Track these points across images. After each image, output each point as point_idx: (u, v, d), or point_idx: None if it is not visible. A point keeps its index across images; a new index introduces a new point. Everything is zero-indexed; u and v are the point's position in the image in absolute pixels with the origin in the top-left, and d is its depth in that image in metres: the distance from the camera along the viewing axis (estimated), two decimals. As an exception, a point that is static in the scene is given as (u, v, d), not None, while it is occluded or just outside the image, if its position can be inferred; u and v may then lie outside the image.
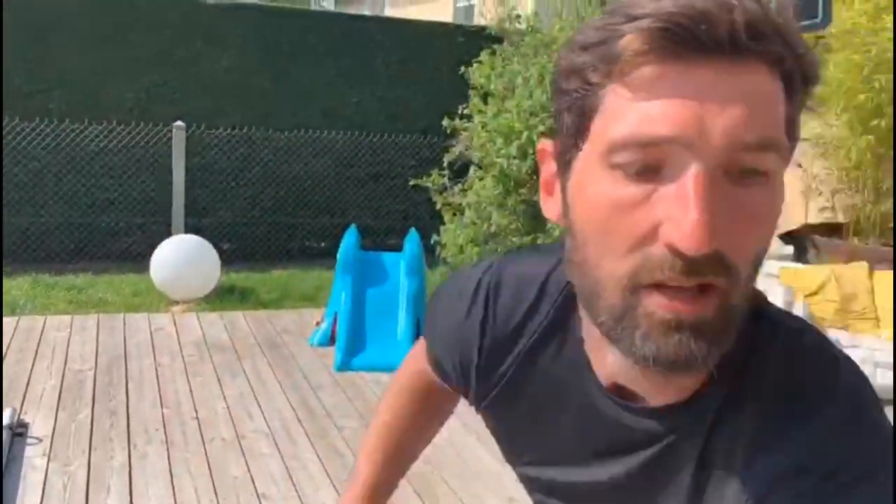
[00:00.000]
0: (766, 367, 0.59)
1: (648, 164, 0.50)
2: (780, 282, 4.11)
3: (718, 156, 0.49)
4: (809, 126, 5.55)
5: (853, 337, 3.81)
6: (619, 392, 0.64)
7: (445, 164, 6.29)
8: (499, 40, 6.21)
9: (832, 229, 5.36)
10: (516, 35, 6.05)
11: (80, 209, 6.29)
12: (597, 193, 0.53)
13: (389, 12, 20.86)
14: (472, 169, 6.20)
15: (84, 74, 6.15)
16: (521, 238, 5.63)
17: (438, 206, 6.38)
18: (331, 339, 4.43)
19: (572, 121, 0.54)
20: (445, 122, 6.24)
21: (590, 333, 0.64)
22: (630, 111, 0.50)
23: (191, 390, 3.71)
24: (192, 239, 5.37)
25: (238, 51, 6.50)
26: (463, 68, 6.34)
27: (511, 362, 0.73)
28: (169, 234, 5.93)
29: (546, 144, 0.61)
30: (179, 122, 6.18)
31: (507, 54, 6.12)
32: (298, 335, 4.61)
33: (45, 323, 4.53)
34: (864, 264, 4.17)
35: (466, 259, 6.04)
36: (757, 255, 0.54)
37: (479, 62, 6.24)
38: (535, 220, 5.69)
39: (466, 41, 7.01)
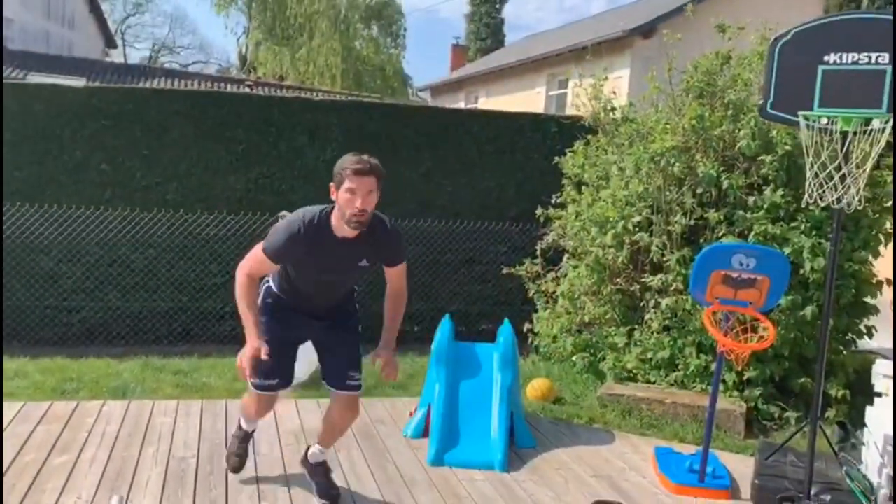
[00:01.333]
0: (375, 223, 3.12)
1: (352, 191, 2.96)
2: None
3: (365, 191, 2.97)
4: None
5: None
6: (340, 238, 3.09)
7: (538, 252, 6.30)
8: (591, 130, 6.27)
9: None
10: (611, 125, 6.09)
11: (189, 294, 6.61)
12: (343, 196, 2.98)
13: (482, 104, 21.43)
14: (565, 257, 6.18)
15: (196, 168, 6.57)
16: (617, 328, 5.52)
17: (531, 294, 6.36)
18: (425, 431, 4.41)
19: (338, 181, 3.00)
20: (539, 210, 6.29)
21: (337, 224, 3.05)
22: (347, 182, 2.97)
23: (288, 483, 3.75)
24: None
25: (339, 143, 6.79)
26: (557, 158, 6.41)
27: (308, 232, 3.05)
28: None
29: (332, 185, 3.04)
30: (284, 212, 6.45)
31: (602, 144, 6.15)
32: (393, 426, 4.62)
33: (153, 407, 4.71)
34: None
35: (559, 348, 5.96)
36: (372, 206, 3.02)
37: (573, 151, 6.31)
38: (631, 310, 5.59)
39: (560, 131, 7.11)
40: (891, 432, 3.59)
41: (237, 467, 3.70)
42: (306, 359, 5.33)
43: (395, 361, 3.31)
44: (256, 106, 6.80)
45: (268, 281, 3.38)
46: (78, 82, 7.52)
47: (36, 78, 14.35)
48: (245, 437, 3.74)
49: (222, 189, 6.62)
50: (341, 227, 3.03)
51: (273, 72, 26.83)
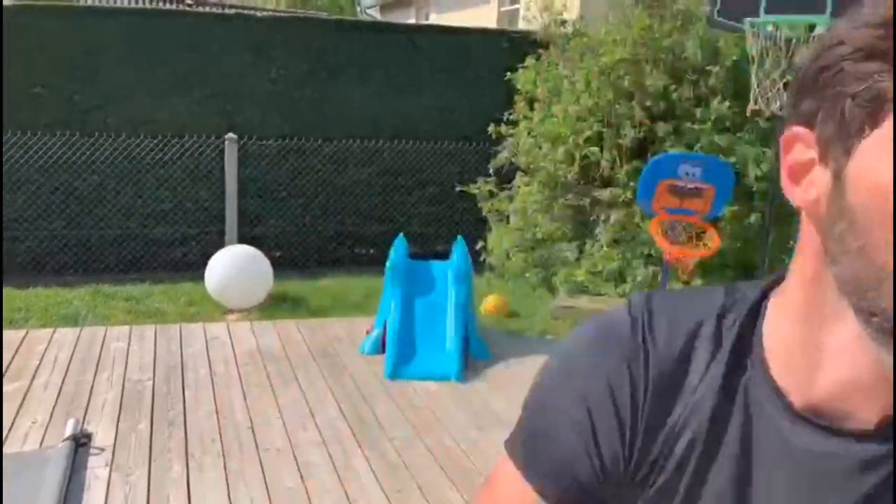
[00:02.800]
0: None
1: None
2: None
3: None
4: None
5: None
6: (813, 414, 0.57)
7: (491, 171, 6.30)
8: (544, 45, 6.20)
9: None
10: (562, 39, 6.02)
11: (138, 220, 6.48)
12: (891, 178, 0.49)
13: (434, 20, 20.95)
14: (517, 175, 6.19)
15: (138, 90, 6.34)
16: (569, 243, 5.61)
17: (485, 213, 6.40)
18: (381, 347, 4.47)
19: (858, 109, 0.51)
20: (491, 129, 6.25)
21: (782, 332, 0.59)
22: None
23: (245, 400, 3.79)
24: (246, 249, 5.48)
25: (285, 63, 6.61)
26: (508, 74, 6.34)
27: (690, 402, 0.60)
28: (223, 244, 6.07)
29: (799, 132, 0.56)
30: (231, 135, 6.31)
31: (553, 59, 6.10)
32: (349, 343, 4.67)
33: (105, 334, 4.67)
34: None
35: (512, 265, 6.04)
36: None
37: (525, 67, 6.24)
38: (582, 225, 5.67)
39: (511, 47, 7.00)
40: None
41: None
42: (260, 282, 5.34)
43: None
44: (197, 24, 6.54)
45: None
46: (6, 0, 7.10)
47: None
48: None
49: (165, 112, 6.41)
50: (826, 365, 0.56)
51: (215, -9, 25.69)
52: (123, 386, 3.90)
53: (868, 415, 0.55)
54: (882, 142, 0.49)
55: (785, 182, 0.57)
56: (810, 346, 0.56)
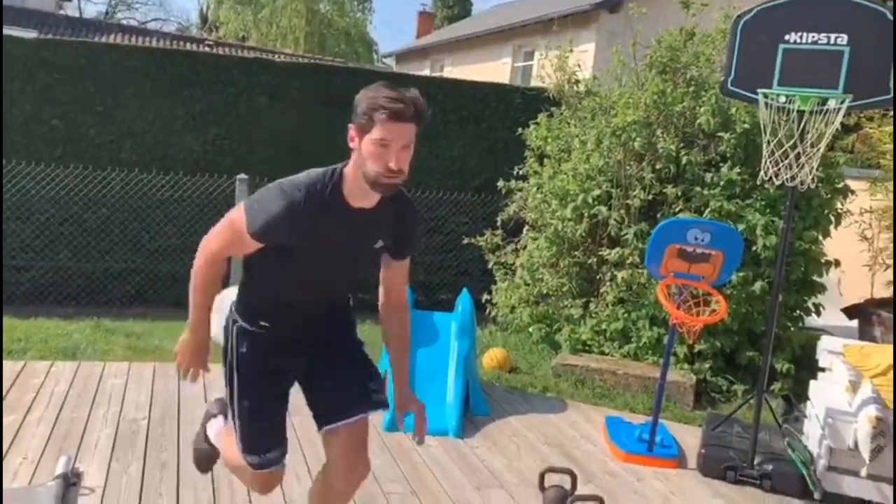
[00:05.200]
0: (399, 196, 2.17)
1: (383, 144, 1.97)
2: (845, 360, 3.95)
3: (401, 144, 1.98)
4: (877, 198, 5.42)
5: (924, 423, 3.63)
6: (356, 208, 2.11)
7: (499, 224, 6.32)
8: (556, 103, 6.27)
9: (898, 306, 5.17)
10: (574, 98, 6.09)
11: (144, 255, 6.48)
12: (371, 147, 1.98)
13: (448, 72, 21.29)
14: (525, 229, 6.21)
15: (153, 127, 6.41)
16: (573, 300, 5.59)
17: (490, 265, 6.39)
18: (380, 398, 4.41)
19: (363, 123, 2.00)
20: (501, 183, 6.29)
21: (353, 186, 2.08)
22: (379, 129, 1.98)
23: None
24: (249, 290, 5.46)
25: (302, 107, 6.69)
26: (520, 129, 6.40)
27: (312, 201, 2.05)
28: (227, 285, 6.05)
29: (352, 127, 2.04)
30: (242, 175, 6.35)
31: (565, 117, 6.17)
32: (348, 392, 4.60)
33: (104, 369, 4.63)
34: (935, 345, 3.99)
35: (517, 319, 6.01)
36: (408, 163, 2.02)
37: (537, 124, 6.31)
38: (588, 283, 5.65)
39: (524, 102, 7.10)
40: (832, 405, 3.71)
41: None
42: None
43: (423, 410, 2.45)
44: (216, 65, 6.65)
45: (233, 316, 2.39)
46: (29, 35, 7.24)
47: (-16, 28, 13.78)
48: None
49: (179, 149, 6.48)
50: (358, 190, 2.07)
51: (234, 32, 26.22)
52: (118, 424, 3.85)
53: (367, 203, 2.11)
54: (368, 135, 1.99)
55: (350, 141, 2.04)
56: (357, 188, 2.07)
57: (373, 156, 1.97)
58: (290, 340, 2.33)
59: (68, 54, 6.23)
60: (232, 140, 6.59)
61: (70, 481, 3.17)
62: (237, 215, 2.12)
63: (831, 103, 3.45)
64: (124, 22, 37.08)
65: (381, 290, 2.40)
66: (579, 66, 6.28)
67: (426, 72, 22.13)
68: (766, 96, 3.56)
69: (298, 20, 25.31)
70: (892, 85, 3.38)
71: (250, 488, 2.70)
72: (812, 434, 3.92)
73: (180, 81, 6.45)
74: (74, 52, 6.28)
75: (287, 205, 2.02)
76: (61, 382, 4.35)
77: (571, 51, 6.19)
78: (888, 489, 3.58)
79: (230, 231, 2.16)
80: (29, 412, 3.91)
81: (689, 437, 4.30)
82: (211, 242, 2.23)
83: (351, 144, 2.03)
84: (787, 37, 3.54)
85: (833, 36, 3.45)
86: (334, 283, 2.34)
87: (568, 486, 3.00)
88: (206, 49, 16.98)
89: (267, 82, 6.65)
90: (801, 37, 3.52)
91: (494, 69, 18.30)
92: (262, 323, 2.31)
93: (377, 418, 4.16)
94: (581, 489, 3.11)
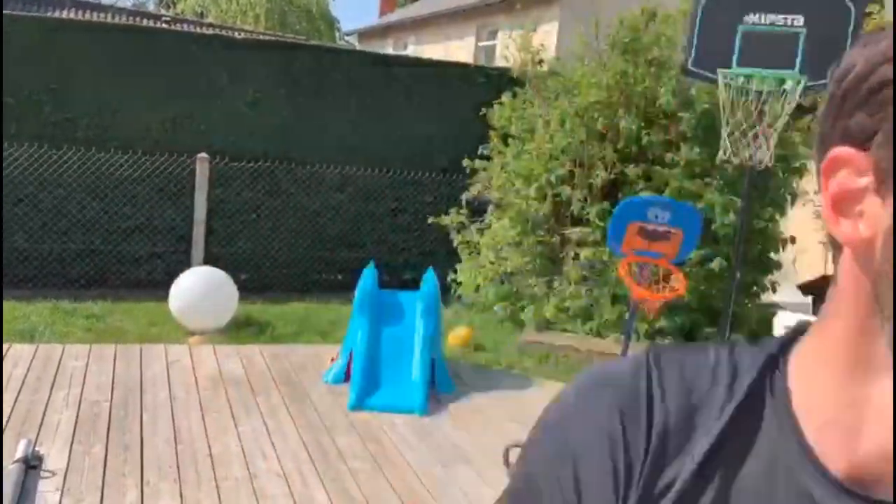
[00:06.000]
0: None
1: None
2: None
3: None
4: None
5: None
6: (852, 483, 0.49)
7: (464, 203, 6.34)
8: (520, 83, 6.29)
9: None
10: (538, 78, 6.11)
11: (102, 236, 6.37)
12: None
13: (412, 51, 21.16)
14: (490, 209, 6.24)
15: (111, 105, 6.27)
16: (538, 278, 5.64)
17: (456, 244, 6.42)
18: (346, 377, 4.43)
19: None
20: (465, 162, 6.30)
21: (813, 393, 0.51)
22: None
23: (205, 426, 3.72)
24: (212, 270, 5.42)
25: (262, 85, 6.60)
26: (484, 109, 6.41)
27: (699, 453, 0.53)
28: (189, 264, 5.99)
29: (847, 154, 0.47)
30: (203, 154, 6.27)
31: (529, 97, 6.19)
32: (313, 371, 4.62)
33: (63, 351, 4.56)
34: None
35: (482, 297, 6.06)
36: None
37: (501, 104, 6.31)
38: (551, 262, 5.71)
39: (488, 82, 7.09)
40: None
41: None
42: (224, 305, 5.27)
43: None
44: (175, 42, 6.52)
45: None
46: (-22, 7, 7.00)
47: (-70, 1, 13.27)
48: None
49: (137, 128, 6.35)
50: (862, 428, 0.49)
51: (192, 9, 25.64)
52: (79, 407, 3.80)
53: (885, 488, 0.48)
54: None
55: (827, 213, 0.49)
56: (855, 404, 0.48)
57: None
58: None
59: (21, 31, 6.04)
60: (192, 118, 6.48)
61: (30, 464, 3.15)
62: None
63: (788, 84, 3.52)
64: (78, -3, 35.89)
65: None
66: (542, 45, 6.30)
67: (389, 50, 21.95)
68: (725, 76, 3.62)
69: (258, -4, 24.85)
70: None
71: None
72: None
73: (138, 59, 6.31)
74: (27, 28, 6.09)
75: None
76: (19, 365, 4.27)
77: (534, 30, 6.20)
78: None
79: None
80: (-14, 395, 3.84)
81: (650, 412, 4.38)
82: None
83: (835, 227, 0.48)
84: (746, 18, 3.60)
85: (790, 17, 3.52)
86: None
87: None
88: (164, 26, 16.59)
89: (227, 60, 6.54)
90: (759, 18, 3.58)
91: (458, 48, 18.22)
92: None
93: (343, 399, 4.18)
94: (545, 463, 3.17)
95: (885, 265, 0.45)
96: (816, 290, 5.38)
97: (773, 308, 5.57)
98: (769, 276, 5.47)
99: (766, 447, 0.52)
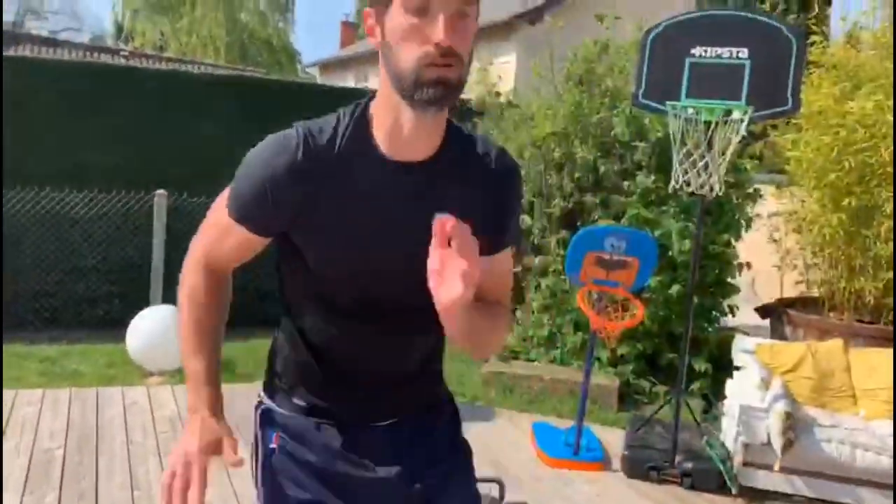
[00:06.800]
0: (473, 140, 1.32)
1: (420, 9, 1.12)
2: (757, 358, 4.14)
3: (452, 8, 1.12)
4: (783, 201, 5.69)
5: (831, 416, 3.83)
6: (398, 162, 1.25)
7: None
8: (479, 114, 6.37)
9: (807, 303, 5.44)
10: (496, 110, 6.20)
11: (57, 276, 6.24)
12: (400, 24, 1.14)
13: (373, 83, 21.25)
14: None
15: (66, 142, 6.19)
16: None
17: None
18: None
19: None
20: (426, 193, 6.34)
21: (387, 125, 1.23)
22: None
23: (163, 471, 3.62)
24: (170, 308, 5.32)
25: (221, 120, 6.57)
26: (444, 140, 6.46)
27: (318, 151, 1.24)
28: (148, 303, 5.89)
29: (368, 11, 1.20)
30: (161, 191, 6.20)
31: (488, 127, 6.26)
32: (275, 410, 4.54)
33: (15, 397, 4.44)
34: (840, 341, 4.22)
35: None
36: (468, 49, 1.16)
37: (460, 135, 6.38)
38: (514, 290, 5.74)
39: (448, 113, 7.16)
40: (746, 402, 3.87)
41: None
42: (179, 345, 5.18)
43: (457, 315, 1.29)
44: (133, 78, 6.48)
45: (260, 399, 1.53)
46: (-72, 46, 6.89)
47: None
48: None
49: (94, 165, 6.26)
50: (399, 125, 1.23)
51: (152, 42, 25.52)
52: (31, 455, 3.69)
53: (416, 155, 1.24)
54: (392, 10, 1.14)
55: (368, 38, 1.21)
56: (396, 123, 1.22)
57: (406, 36, 1.14)
58: (347, 430, 1.42)
59: (-28, 68, 5.96)
60: (151, 155, 6.41)
61: (-21, 518, 3.04)
62: (225, 192, 1.35)
63: (735, 114, 3.61)
64: (34, 32, 35.61)
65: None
66: (500, 77, 6.40)
67: (350, 82, 22.05)
68: (674, 108, 3.70)
69: (218, 29, 24.84)
70: (790, 95, 3.57)
71: None
72: (728, 431, 4.08)
73: (96, 95, 6.25)
74: (-22, 65, 6.01)
75: (278, 158, 1.23)
76: (-31, 413, 4.14)
77: (491, 63, 6.29)
78: (799, 482, 3.76)
79: (214, 217, 1.38)
80: (-67, 446, 3.71)
81: (615, 439, 4.41)
82: (193, 245, 1.43)
83: (371, 41, 1.21)
84: (693, 51, 3.70)
85: (735, 50, 3.62)
86: (398, 310, 1.35)
87: (496, 495, 3.04)
88: (122, 60, 16.47)
89: (186, 95, 6.51)
90: (706, 51, 3.68)
91: (419, 79, 18.34)
92: (297, 401, 1.45)
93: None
94: (509, 496, 3.16)
95: (384, 53, 1.17)
96: (773, 312, 5.48)
97: (732, 331, 5.65)
98: (727, 301, 5.56)
99: (360, 147, 1.24)
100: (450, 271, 1.06)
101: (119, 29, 31.23)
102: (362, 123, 1.25)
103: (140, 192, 6.18)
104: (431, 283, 1.08)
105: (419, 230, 1.11)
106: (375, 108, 1.24)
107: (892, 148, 4.58)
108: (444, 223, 1.05)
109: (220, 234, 1.36)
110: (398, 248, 1.24)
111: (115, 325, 5.72)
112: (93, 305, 6.28)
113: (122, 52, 18.99)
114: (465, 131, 1.32)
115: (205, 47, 24.78)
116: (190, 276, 1.39)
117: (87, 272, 6.24)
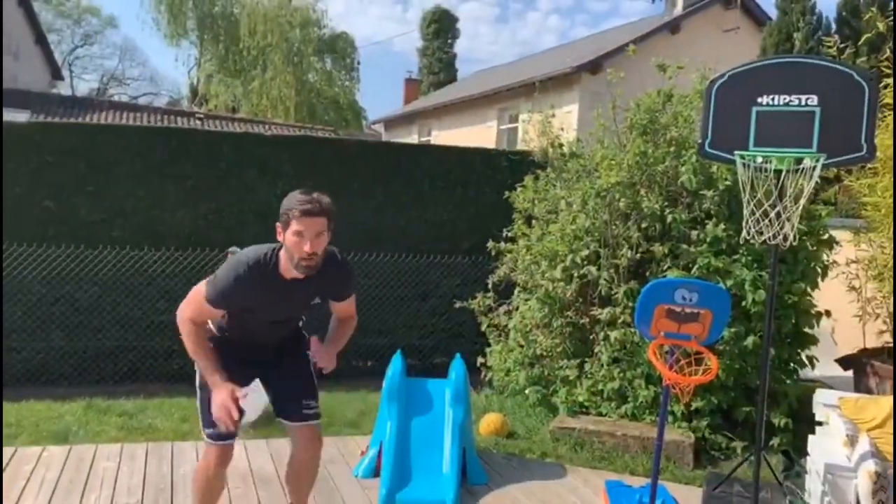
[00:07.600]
0: (325, 259, 2.84)
1: (299, 233, 2.71)
2: (841, 413, 3.94)
3: (314, 233, 2.72)
4: (861, 248, 5.48)
5: (924, 475, 3.60)
6: (290, 279, 2.85)
7: (490, 285, 6.34)
8: (540, 165, 6.38)
9: (893, 353, 5.18)
10: (559, 160, 6.20)
11: (135, 332, 6.47)
12: (290, 237, 2.73)
13: (435, 136, 21.64)
14: (516, 290, 6.23)
15: (144, 204, 6.48)
16: (569, 360, 5.57)
17: (484, 327, 6.39)
18: (376, 471, 4.36)
19: (284, 222, 2.75)
20: (490, 244, 6.35)
21: (286, 266, 2.80)
22: (294, 224, 2.71)
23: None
24: (242, 364, 5.43)
25: (291, 178, 6.78)
26: (507, 192, 6.49)
27: (254, 275, 2.80)
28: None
29: (279, 226, 2.78)
30: (234, 247, 6.39)
31: (551, 179, 6.26)
32: (343, 465, 4.56)
33: (95, 452, 4.57)
34: (930, 395, 3.99)
35: (512, 382, 5.98)
36: (323, 248, 2.77)
37: (524, 186, 6.40)
38: (582, 343, 5.65)
39: (510, 166, 7.23)
40: (831, 460, 3.69)
41: None
42: (255, 398, 5.26)
43: (331, 353, 3.00)
44: (206, 141, 6.77)
45: (207, 322, 3.04)
46: (21, 116, 7.38)
47: (-22, 110, 13.96)
48: None
49: (170, 225, 6.54)
50: (290, 268, 2.77)
51: (225, 104, 26.67)
52: (110, 510, 3.78)
53: (298, 275, 2.81)
54: (288, 230, 2.74)
55: (278, 236, 2.79)
56: (287, 268, 2.81)
57: (293, 244, 2.71)
58: (246, 346, 3.11)
59: (60, 136, 6.34)
60: (223, 214, 6.66)
61: (60, 573, 3.11)
62: (201, 288, 2.89)
63: (806, 162, 3.53)
64: (116, 98, 37.71)
65: (333, 313, 3.21)
66: (562, 128, 6.42)
67: (414, 137, 22.49)
68: (742, 157, 3.64)
69: (288, 90, 25.80)
70: (864, 141, 3.47)
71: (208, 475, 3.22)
72: (813, 490, 3.88)
73: (171, 158, 6.55)
74: (66, 133, 6.39)
75: (235, 280, 2.79)
76: (52, 468, 4.29)
77: (553, 114, 6.33)
78: (893, 545, 3.53)
79: (196, 300, 2.89)
80: (19, 502, 3.84)
81: (691, 498, 4.24)
82: (184, 311, 2.91)
83: (278, 238, 2.78)
84: (759, 99, 3.65)
85: (804, 97, 3.56)
86: (282, 325, 3.14)
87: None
88: (197, 122, 17.24)
89: (257, 155, 6.76)
90: (773, 99, 3.63)
91: (480, 133, 18.63)
92: (227, 332, 3.11)
93: (374, 493, 4.12)
94: (582, 560, 3.06)
95: (286, 241, 2.77)
96: (855, 363, 5.23)
97: (812, 384, 5.42)
98: (805, 351, 5.34)
99: (272, 272, 2.84)
100: (325, 362, 3.00)
101: (194, 92, 32.74)
102: (274, 262, 2.82)
103: (214, 250, 6.39)
104: (320, 364, 3.00)
105: (296, 301, 2.96)
106: (282, 255, 2.81)
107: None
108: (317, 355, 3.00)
109: (201, 308, 2.88)
110: (289, 309, 3.05)
111: (189, 379, 5.86)
112: (168, 359, 6.46)
113: (197, 115, 19.87)
114: (326, 252, 2.83)
115: (275, 108, 25.75)
116: (185, 325, 2.90)
117: (163, 328, 6.45)
